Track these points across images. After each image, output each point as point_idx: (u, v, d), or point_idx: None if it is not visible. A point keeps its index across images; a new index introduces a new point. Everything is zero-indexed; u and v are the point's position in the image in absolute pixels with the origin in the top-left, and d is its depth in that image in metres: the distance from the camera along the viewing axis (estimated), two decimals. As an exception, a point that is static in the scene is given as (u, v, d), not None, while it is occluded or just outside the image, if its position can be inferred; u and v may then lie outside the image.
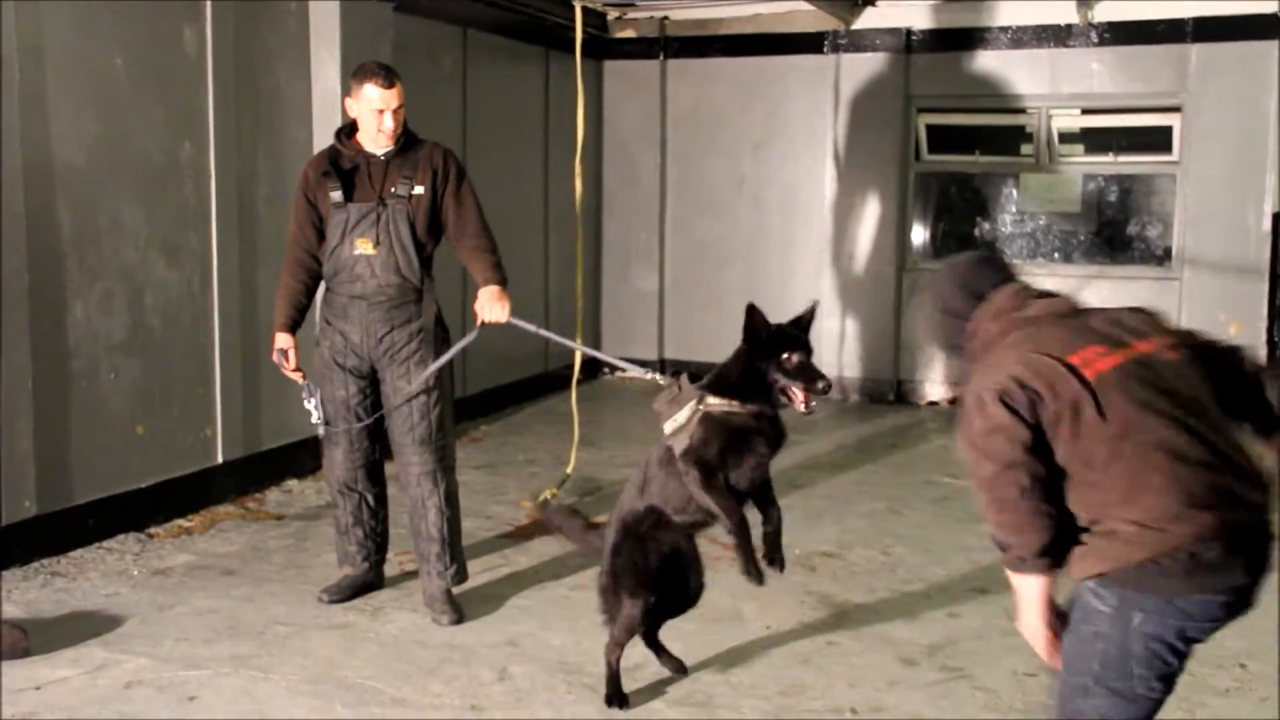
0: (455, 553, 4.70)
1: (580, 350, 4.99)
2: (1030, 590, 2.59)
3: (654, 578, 3.81)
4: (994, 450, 2.47)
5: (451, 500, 4.69)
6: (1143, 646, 2.49)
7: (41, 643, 4.22)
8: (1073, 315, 2.65)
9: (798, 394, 3.59)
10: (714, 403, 3.63)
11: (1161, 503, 2.43)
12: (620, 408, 8.67)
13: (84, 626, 4.46)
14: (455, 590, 4.70)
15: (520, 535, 5.72)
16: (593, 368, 9.67)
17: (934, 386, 9.26)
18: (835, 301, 9.33)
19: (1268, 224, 8.18)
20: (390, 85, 4.46)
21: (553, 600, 4.81)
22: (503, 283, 4.54)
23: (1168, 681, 2.55)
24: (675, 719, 3.84)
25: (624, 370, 4.31)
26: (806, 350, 3.63)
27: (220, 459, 6.12)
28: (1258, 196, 8.22)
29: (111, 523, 5.45)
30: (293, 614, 4.65)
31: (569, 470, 6.54)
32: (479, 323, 4.50)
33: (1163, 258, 8.80)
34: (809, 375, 3.59)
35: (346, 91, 4.63)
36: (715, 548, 4.85)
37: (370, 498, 4.79)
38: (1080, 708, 2.58)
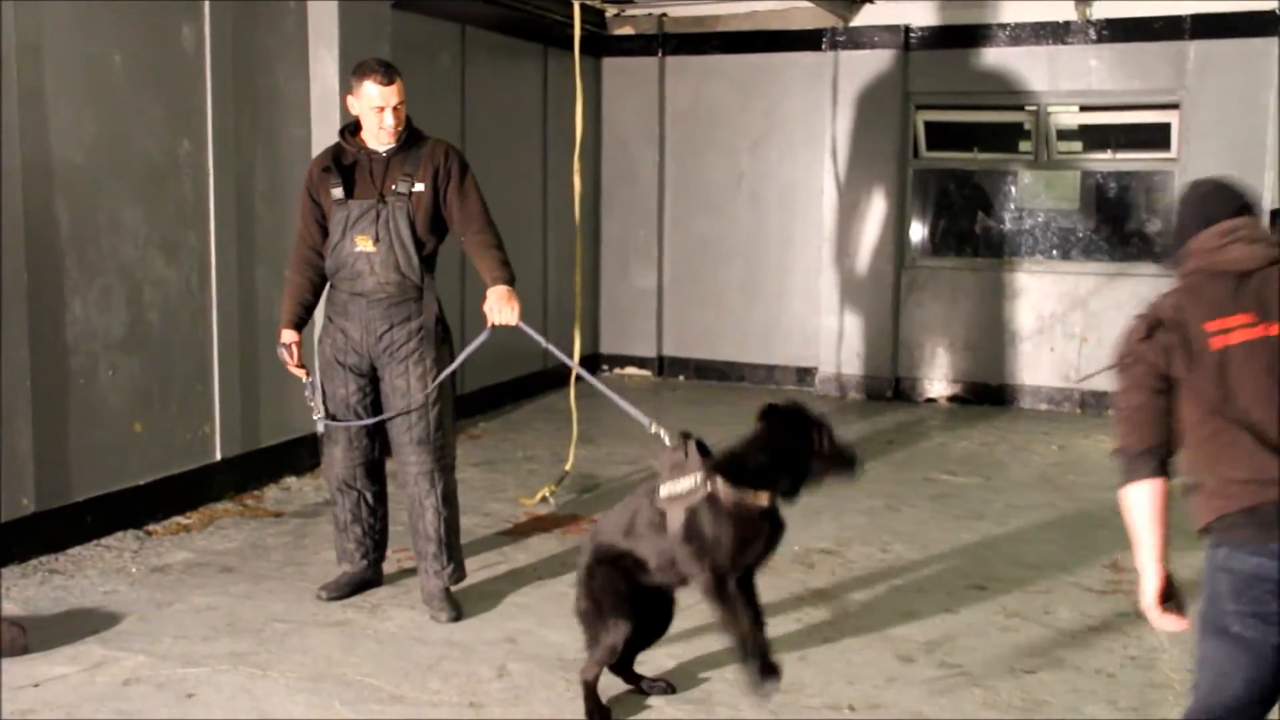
0: (453, 552, 4.69)
1: (580, 372, 4.86)
2: (1136, 507, 2.69)
3: (632, 600, 3.72)
4: (1128, 370, 2.73)
5: (449, 500, 4.68)
6: (1229, 579, 2.60)
7: (40, 640, 4.22)
8: (1252, 274, 2.69)
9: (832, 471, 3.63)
10: (724, 488, 3.53)
11: (1231, 474, 2.60)
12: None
13: (82, 624, 4.46)
14: (453, 588, 4.70)
15: (519, 532, 5.72)
16: (591, 365, 9.67)
17: (932, 384, 9.27)
18: (834, 298, 9.33)
19: (1265, 221, 8.17)
20: (389, 82, 4.45)
21: (551, 597, 4.81)
22: (510, 281, 4.49)
23: (1271, 624, 2.58)
24: (675, 717, 3.84)
25: (623, 391, 4.22)
26: (829, 429, 3.63)
27: (219, 456, 6.12)
28: (1255, 194, 8.22)
29: (110, 520, 5.45)
30: (291, 611, 4.65)
31: (567, 467, 6.54)
32: (489, 325, 4.47)
33: (1160, 254, 8.80)
34: (842, 456, 3.63)
35: (347, 89, 4.62)
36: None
37: (369, 495, 4.79)
38: (1200, 650, 2.70)
